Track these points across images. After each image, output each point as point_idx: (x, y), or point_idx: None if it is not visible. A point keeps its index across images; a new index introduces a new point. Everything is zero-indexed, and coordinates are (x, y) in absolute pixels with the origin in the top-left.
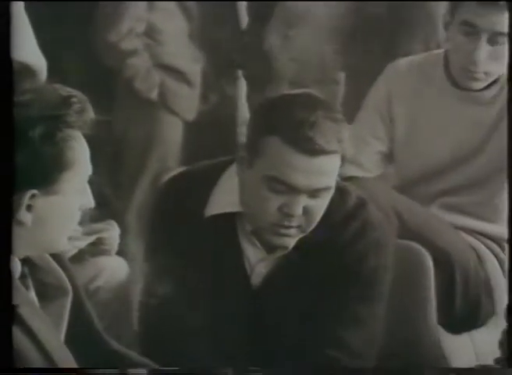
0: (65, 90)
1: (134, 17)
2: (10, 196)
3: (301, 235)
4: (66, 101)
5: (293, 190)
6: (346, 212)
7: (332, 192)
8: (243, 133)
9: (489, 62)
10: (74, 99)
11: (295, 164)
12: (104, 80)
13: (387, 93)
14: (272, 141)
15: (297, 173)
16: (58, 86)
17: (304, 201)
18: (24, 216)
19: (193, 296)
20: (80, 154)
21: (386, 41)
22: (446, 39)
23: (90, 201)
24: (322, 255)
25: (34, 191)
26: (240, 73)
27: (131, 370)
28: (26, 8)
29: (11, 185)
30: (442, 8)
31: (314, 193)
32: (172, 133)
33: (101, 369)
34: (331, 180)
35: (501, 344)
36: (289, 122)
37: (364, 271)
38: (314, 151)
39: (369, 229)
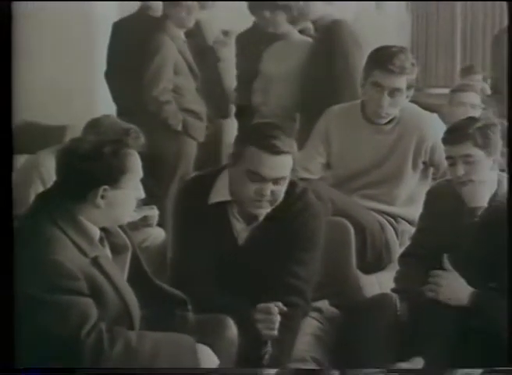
0: (126, 124)
1: (166, 79)
2: (10, 194)
3: (270, 208)
4: (126, 132)
5: (264, 179)
6: (294, 196)
7: (287, 181)
8: (230, 148)
9: (389, 108)
10: (132, 130)
11: (265, 162)
12: (149, 119)
13: (326, 127)
14: (251, 149)
15: (266, 167)
16: (122, 122)
17: (270, 186)
18: (99, 202)
19: (202, 252)
20: (134, 164)
21: (325, 95)
22: (362, 93)
23: (141, 194)
24: (280, 223)
25: (106, 187)
26: (232, 113)
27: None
28: (106, 76)
29: (10, 187)
30: (360, 73)
31: (276, 180)
32: (191, 150)
33: (103, 370)
34: (287, 172)
35: (395, 279)
36: (260, 136)
37: (306, 232)
38: (276, 152)
39: (308, 206)
